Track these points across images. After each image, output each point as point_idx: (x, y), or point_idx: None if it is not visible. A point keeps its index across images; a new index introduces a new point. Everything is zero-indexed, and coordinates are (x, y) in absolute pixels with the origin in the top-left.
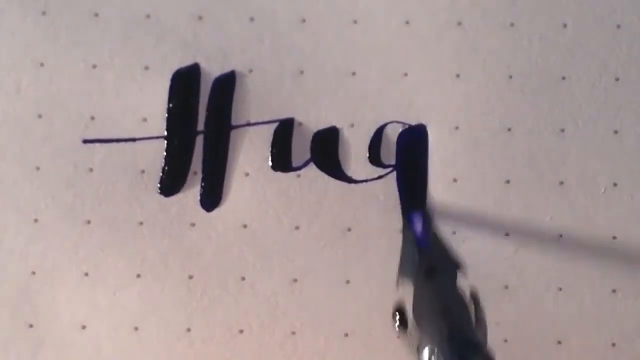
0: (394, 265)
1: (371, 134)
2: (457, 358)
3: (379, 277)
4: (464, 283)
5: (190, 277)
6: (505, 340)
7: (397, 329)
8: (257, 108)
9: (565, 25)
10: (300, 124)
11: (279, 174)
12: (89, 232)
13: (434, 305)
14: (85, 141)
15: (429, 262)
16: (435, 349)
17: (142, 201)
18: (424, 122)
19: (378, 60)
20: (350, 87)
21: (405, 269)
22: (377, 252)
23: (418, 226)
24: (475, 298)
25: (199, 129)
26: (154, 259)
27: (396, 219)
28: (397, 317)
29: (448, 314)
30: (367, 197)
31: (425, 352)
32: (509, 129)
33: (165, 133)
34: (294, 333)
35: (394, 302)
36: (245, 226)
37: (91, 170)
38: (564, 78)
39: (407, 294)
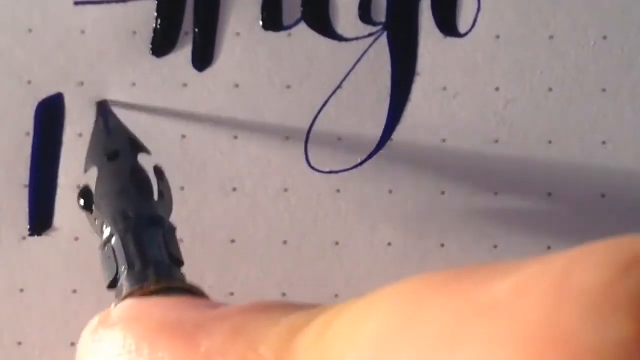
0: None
1: None
2: (132, 234)
3: (369, 134)
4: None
5: (184, 136)
6: (496, 194)
7: (82, 210)
8: None
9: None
10: None
11: (270, 34)
12: (81, 93)
13: (114, 187)
14: (77, 3)
15: (111, 146)
16: (113, 229)
17: (134, 63)
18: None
19: None
20: None
21: (92, 154)
22: (368, 108)
23: (104, 113)
24: (158, 173)
25: None
26: (146, 120)
27: (386, 76)
28: (82, 200)
29: (125, 194)
30: (357, 55)
31: (106, 232)
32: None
33: None
34: (286, 190)
35: (81, 186)
36: (237, 86)
37: (83, 32)
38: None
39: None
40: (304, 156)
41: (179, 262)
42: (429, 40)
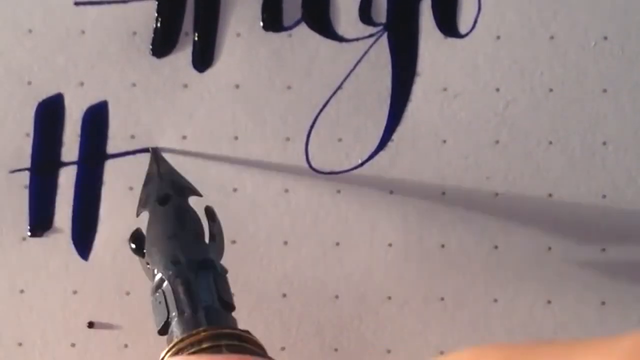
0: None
1: None
2: (181, 280)
3: (370, 134)
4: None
5: (184, 137)
6: (496, 194)
7: (134, 254)
8: None
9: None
10: None
11: (271, 34)
12: (82, 93)
13: (164, 231)
14: (77, 3)
15: (162, 190)
16: (163, 274)
17: (134, 63)
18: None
19: None
20: None
21: (143, 198)
22: (368, 108)
23: (156, 159)
24: (210, 215)
25: None
26: (147, 120)
27: (387, 77)
28: (133, 244)
29: (175, 238)
30: (358, 56)
31: (157, 277)
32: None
33: None
34: (287, 191)
35: (133, 231)
36: (237, 86)
37: (83, 32)
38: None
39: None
40: (305, 157)
41: (230, 306)
42: (430, 41)
